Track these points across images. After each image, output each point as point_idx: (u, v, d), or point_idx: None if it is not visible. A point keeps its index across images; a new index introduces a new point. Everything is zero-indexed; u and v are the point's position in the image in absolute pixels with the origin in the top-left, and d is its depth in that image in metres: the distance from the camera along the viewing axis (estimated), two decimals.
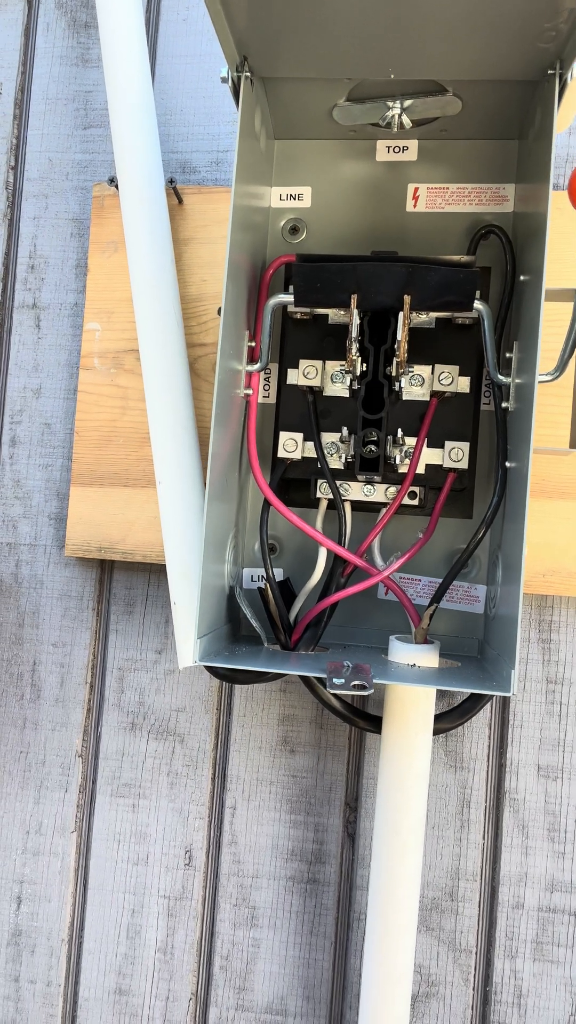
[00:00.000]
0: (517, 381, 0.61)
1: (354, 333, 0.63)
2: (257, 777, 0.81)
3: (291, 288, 0.65)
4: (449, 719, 0.71)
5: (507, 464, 0.64)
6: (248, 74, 0.61)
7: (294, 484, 0.71)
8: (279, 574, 0.73)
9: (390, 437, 0.66)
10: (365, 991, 0.68)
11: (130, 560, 0.79)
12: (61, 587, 0.85)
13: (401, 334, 0.62)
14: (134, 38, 0.75)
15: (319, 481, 0.69)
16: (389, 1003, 0.67)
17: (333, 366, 0.68)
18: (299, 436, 0.69)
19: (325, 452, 0.68)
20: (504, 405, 0.64)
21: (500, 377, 0.64)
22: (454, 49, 0.58)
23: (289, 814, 0.80)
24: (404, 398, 0.67)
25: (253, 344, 0.67)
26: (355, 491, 0.69)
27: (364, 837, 0.79)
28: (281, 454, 0.69)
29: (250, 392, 0.67)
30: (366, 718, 0.72)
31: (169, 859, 0.82)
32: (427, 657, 0.63)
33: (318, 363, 0.68)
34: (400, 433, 0.66)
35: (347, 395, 0.68)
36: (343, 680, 0.54)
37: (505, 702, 0.78)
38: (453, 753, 0.78)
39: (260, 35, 0.58)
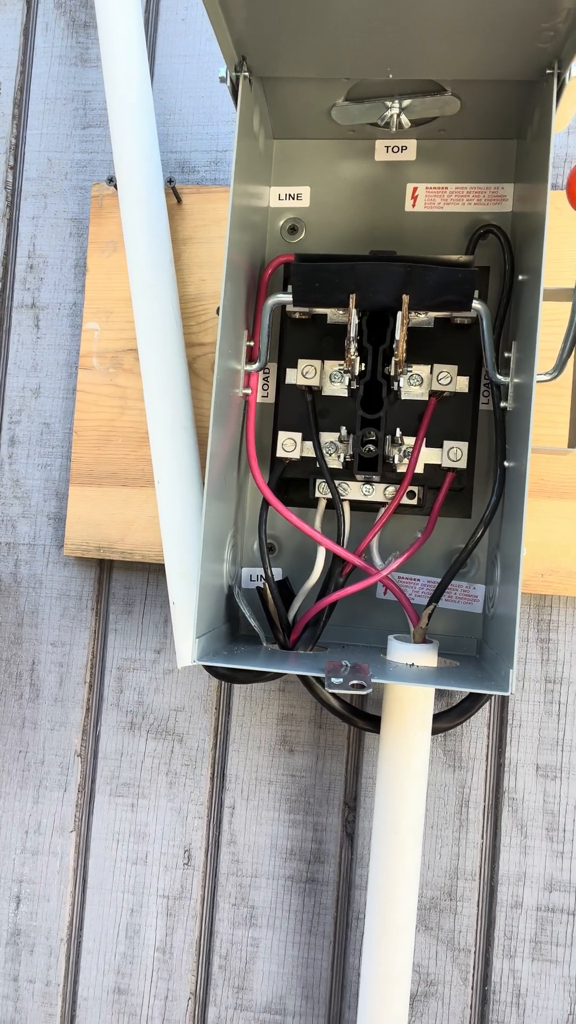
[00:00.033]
0: (515, 381, 0.62)
1: (353, 333, 0.63)
2: (256, 776, 0.81)
3: (290, 288, 0.65)
4: (448, 718, 0.71)
5: (506, 464, 0.64)
6: (246, 74, 0.61)
7: (293, 484, 0.71)
8: (278, 573, 0.73)
9: (389, 437, 0.66)
10: (364, 990, 0.68)
11: (129, 560, 0.79)
12: (60, 587, 0.85)
13: (400, 334, 0.62)
14: (133, 38, 0.75)
15: (318, 481, 0.69)
16: (388, 1002, 0.67)
17: (332, 366, 0.68)
18: (298, 436, 0.69)
19: (324, 452, 0.68)
20: (503, 405, 0.64)
21: (499, 377, 0.64)
22: (453, 49, 0.58)
23: (288, 813, 0.80)
24: (403, 398, 0.67)
25: (252, 344, 0.67)
26: (354, 491, 0.69)
27: (363, 836, 0.79)
28: (280, 454, 0.69)
29: (249, 392, 0.67)
30: (365, 717, 0.72)
31: (168, 858, 0.82)
32: (426, 656, 0.63)
33: (317, 363, 0.68)
34: (399, 433, 0.66)
35: (346, 395, 0.68)
36: (341, 679, 0.54)
37: (504, 701, 0.78)
38: (452, 753, 0.78)
39: (258, 35, 0.58)
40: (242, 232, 0.63)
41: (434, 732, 0.68)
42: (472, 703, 0.71)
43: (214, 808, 0.82)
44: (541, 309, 0.55)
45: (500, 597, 0.62)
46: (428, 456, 0.67)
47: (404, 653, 0.64)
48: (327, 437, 0.69)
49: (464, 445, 0.67)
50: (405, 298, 0.62)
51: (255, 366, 0.66)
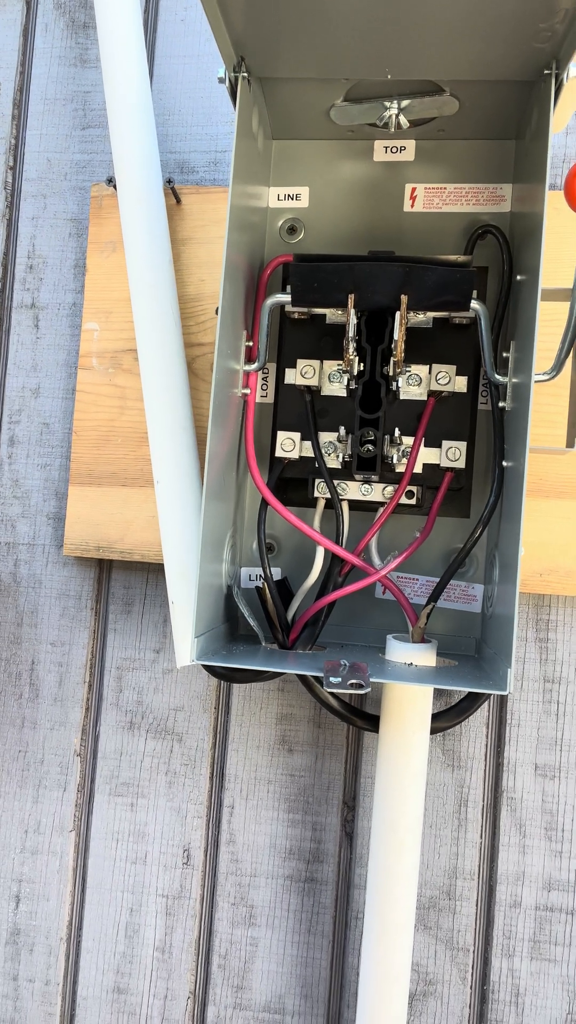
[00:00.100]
0: (514, 380, 0.62)
1: (351, 333, 0.63)
2: (255, 776, 0.81)
3: (288, 288, 0.65)
4: (446, 718, 0.71)
5: (504, 463, 0.64)
6: (245, 74, 0.61)
7: (292, 483, 0.71)
8: (277, 573, 0.73)
9: (387, 436, 0.66)
10: (363, 990, 0.68)
11: (128, 559, 0.80)
12: (59, 586, 0.85)
13: (398, 334, 0.62)
14: (132, 38, 0.75)
15: (317, 480, 0.69)
16: (387, 1002, 0.67)
17: (331, 366, 0.69)
18: (297, 435, 0.69)
19: (323, 451, 0.68)
20: (501, 404, 0.65)
21: (497, 377, 0.64)
22: (451, 49, 0.58)
23: (287, 813, 0.80)
24: (401, 397, 0.67)
25: (251, 344, 0.67)
26: (352, 490, 0.69)
27: (362, 836, 0.79)
28: (279, 453, 0.69)
29: (248, 392, 0.67)
30: (364, 717, 0.72)
31: (167, 858, 0.82)
32: (424, 656, 0.63)
33: (316, 363, 0.68)
34: (397, 432, 0.66)
35: (344, 395, 0.68)
36: (340, 679, 0.54)
37: (502, 701, 0.78)
38: (451, 752, 0.79)
39: (257, 35, 0.59)
40: (241, 232, 0.63)
41: (433, 731, 0.68)
42: (471, 703, 0.71)
43: (213, 807, 0.82)
44: (539, 309, 0.55)
45: (498, 596, 0.62)
46: (427, 456, 0.67)
47: (403, 652, 0.64)
48: (326, 437, 0.69)
49: (463, 445, 0.67)
50: (404, 298, 0.62)
51: (254, 366, 0.66)
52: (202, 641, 0.59)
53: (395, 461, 0.66)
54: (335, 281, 0.63)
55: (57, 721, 0.84)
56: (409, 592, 0.72)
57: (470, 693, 0.71)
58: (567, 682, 0.77)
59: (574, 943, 0.76)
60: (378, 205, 0.72)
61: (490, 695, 0.76)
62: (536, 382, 0.56)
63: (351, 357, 0.64)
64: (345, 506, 0.69)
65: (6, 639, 0.86)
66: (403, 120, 0.66)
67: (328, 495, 0.69)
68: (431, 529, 0.68)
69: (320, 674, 0.56)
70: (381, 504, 0.69)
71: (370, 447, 0.67)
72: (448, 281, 0.62)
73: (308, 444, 0.69)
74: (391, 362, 0.64)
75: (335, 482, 0.68)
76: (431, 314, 0.66)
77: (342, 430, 0.67)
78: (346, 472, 0.68)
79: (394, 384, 0.66)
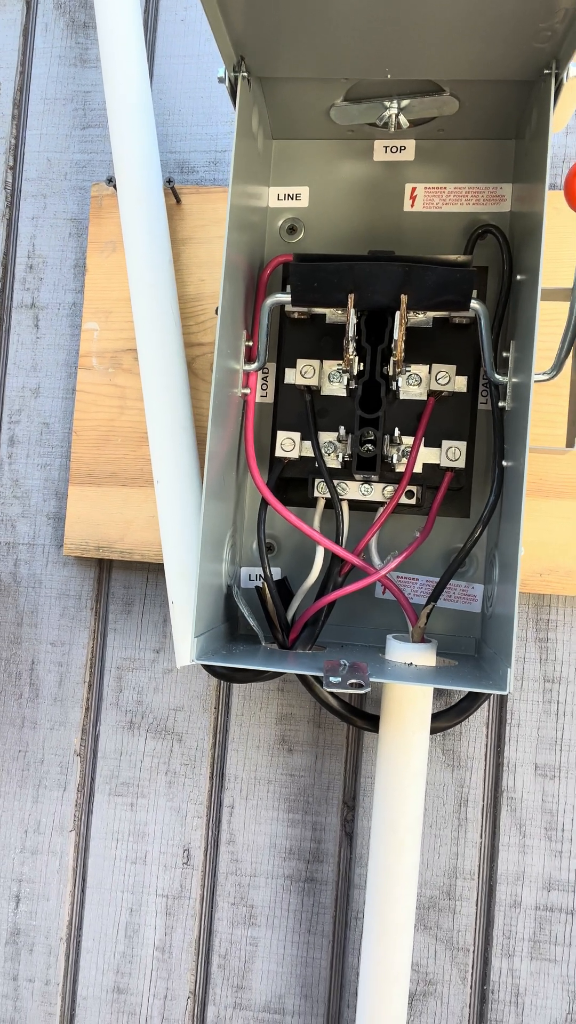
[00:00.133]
0: (514, 380, 0.62)
1: (351, 332, 0.63)
2: (255, 776, 0.81)
3: (288, 287, 0.65)
4: (446, 718, 0.71)
5: (504, 463, 0.64)
6: (245, 74, 0.61)
7: (292, 483, 0.71)
8: (277, 573, 0.73)
9: (387, 436, 0.66)
10: (363, 990, 0.68)
11: (128, 559, 0.80)
12: (59, 586, 0.85)
13: (398, 333, 0.62)
14: (132, 38, 0.75)
15: (316, 480, 0.69)
16: (387, 1002, 0.67)
17: (330, 365, 0.69)
18: (296, 435, 0.69)
19: (323, 451, 0.68)
20: (501, 404, 0.65)
21: (497, 376, 0.64)
22: (451, 49, 0.58)
23: (287, 813, 0.80)
24: (401, 397, 0.67)
25: (251, 343, 0.67)
26: (352, 490, 0.69)
27: (362, 836, 0.79)
28: (279, 453, 0.69)
29: (248, 391, 0.67)
30: (364, 717, 0.72)
31: (167, 858, 0.82)
32: (424, 656, 0.63)
33: (315, 362, 0.68)
34: (397, 432, 0.66)
35: (344, 394, 0.68)
36: (340, 679, 0.54)
37: (502, 701, 0.78)
38: (451, 752, 0.79)
39: (257, 35, 0.59)
40: (241, 232, 0.63)
41: (433, 731, 0.68)
42: (471, 702, 0.71)
43: (213, 807, 0.82)
44: (539, 309, 0.55)
45: (498, 596, 0.62)
46: (427, 456, 0.67)
47: (403, 652, 0.64)
48: (326, 437, 0.69)
49: (462, 445, 0.67)
50: (403, 298, 0.62)
51: (254, 366, 0.66)
52: (202, 641, 0.59)
53: (395, 461, 0.66)
54: (335, 281, 0.63)
55: (57, 721, 0.84)
56: (409, 592, 0.72)
57: (470, 693, 0.71)
58: (567, 682, 0.77)
59: (574, 943, 0.76)
60: (378, 205, 0.72)
61: (490, 695, 0.76)
62: (536, 382, 0.56)
63: (351, 357, 0.64)
64: (345, 506, 0.69)
65: (6, 639, 0.86)
66: (403, 120, 0.66)
67: (328, 495, 0.69)
68: (431, 529, 0.68)
69: (320, 674, 0.56)
70: (381, 504, 0.69)
71: (370, 447, 0.67)
72: (448, 281, 0.62)
73: (308, 444, 0.69)
74: (391, 362, 0.64)
75: (335, 482, 0.68)
76: (431, 314, 0.66)
77: (342, 430, 0.67)
78: (346, 472, 0.68)
79: (394, 384, 0.66)
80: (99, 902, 0.83)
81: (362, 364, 0.67)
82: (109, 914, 0.83)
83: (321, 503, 0.70)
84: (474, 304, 0.63)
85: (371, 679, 0.54)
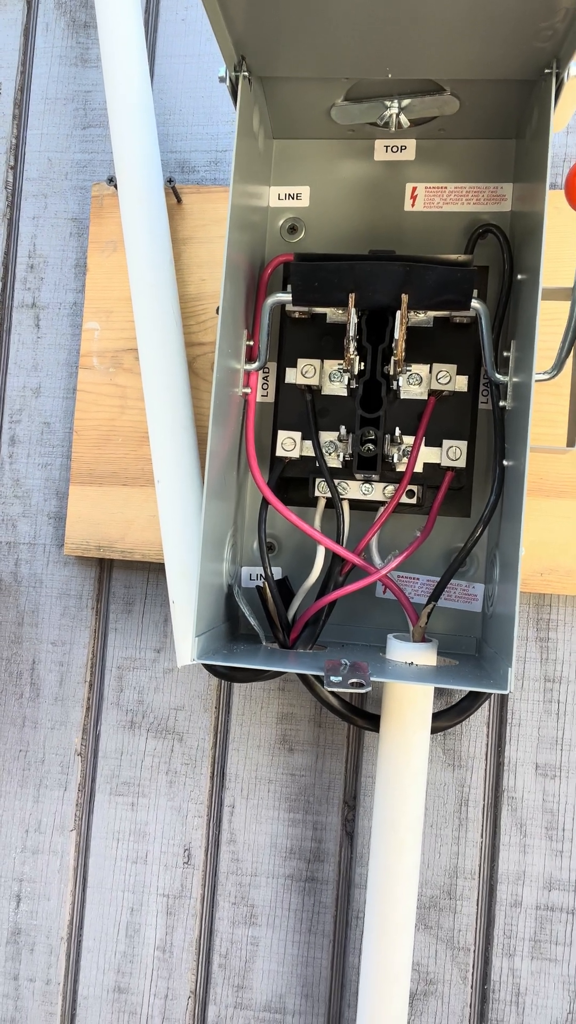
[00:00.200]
0: (514, 380, 0.62)
1: (352, 332, 0.63)
2: (256, 775, 0.81)
3: (289, 287, 0.65)
4: (447, 717, 0.71)
5: (504, 462, 0.64)
6: (246, 74, 0.61)
7: (292, 483, 0.71)
8: (277, 572, 0.73)
9: (388, 436, 0.66)
10: (363, 989, 0.68)
11: (129, 559, 0.80)
12: (60, 586, 0.85)
13: (399, 333, 0.62)
14: (133, 38, 0.75)
15: (317, 480, 0.69)
16: (387, 1001, 0.67)
17: (331, 365, 0.69)
18: (297, 435, 0.69)
19: (323, 451, 0.68)
20: (501, 404, 0.65)
21: (497, 376, 0.64)
22: (451, 48, 0.58)
23: (288, 812, 0.81)
24: (402, 397, 0.67)
25: (251, 343, 0.67)
26: (353, 490, 0.69)
27: (362, 835, 0.79)
28: (279, 453, 0.69)
29: (248, 391, 0.67)
30: (364, 716, 0.72)
31: (168, 857, 0.82)
32: (425, 655, 0.63)
33: (316, 362, 0.68)
34: (398, 432, 0.66)
35: (345, 394, 0.68)
36: (341, 678, 0.54)
37: (503, 700, 0.78)
38: (451, 751, 0.79)
39: (258, 35, 0.59)
40: (242, 232, 0.63)
41: (433, 731, 0.68)
42: (471, 702, 0.71)
43: (214, 807, 0.82)
44: (540, 308, 0.55)
45: (499, 596, 0.62)
46: (427, 455, 0.67)
47: (403, 652, 0.64)
48: (326, 436, 0.69)
49: (463, 444, 0.67)
50: (404, 297, 0.62)
51: (255, 365, 0.66)
52: (203, 640, 0.59)
53: (396, 460, 0.66)
54: (336, 280, 0.63)
55: (58, 720, 0.84)
56: (410, 591, 0.72)
57: (471, 692, 0.71)
58: (568, 681, 0.77)
59: (575, 943, 0.76)
60: (379, 204, 0.72)
61: (491, 694, 0.76)
62: (537, 381, 0.56)
63: (352, 356, 0.64)
64: (346, 505, 0.69)
65: (7, 638, 0.86)
66: (404, 119, 0.66)
67: (329, 494, 0.69)
68: (432, 528, 0.68)
69: (321, 673, 0.56)
70: (382, 503, 0.69)
71: (371, 446, 0.67)
72: (449, 280, 0.62)
73: (309, 443, 0.69)
74: (392, 361, 0.64)
75: (336, 481, 0.68)
76: (432, 313, 0.66)
77: (343, 429, 0.67)
78: (347, 471, 0.68)
79: (395, 383, 0.66)
80: (100, 902, 0.83)
81: (363, 364, 0.67)
82: (110, 914, 0.83)
83: (322, 503, 0.70)
84: (475, 304, 0.63)
85: (372, 678, 0.54)
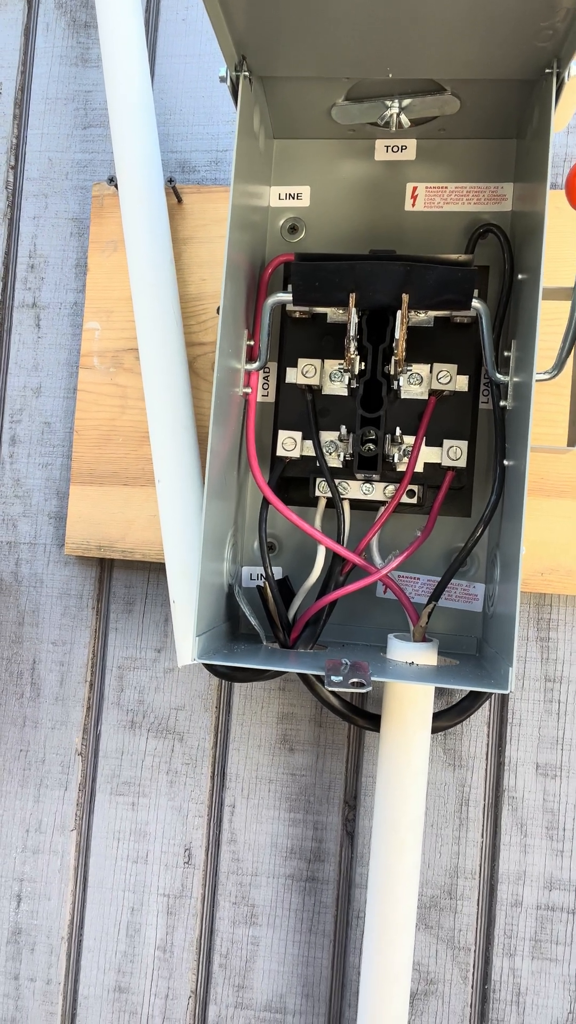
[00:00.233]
0: (515, 379, 0.62)
1: (352, 332, 0.63)
2: (256, 775, 0.81)
3: (290, 287, 0.65)
4: (448, 717, 0.71)
5: (505, 462, 0.64)
6: (247, 73, 0.61)
7: (293, 482, 0.71)
8: (278, 572, 0.73)
9: (388, 436, 0.66)
10: (364, 989, 0.68)
11: (129, 559, 0.80)
12: (61, 586, 0.85)
13: (399, 333, 0.62)
14: (133, 38, 0.75)
15: (318, 479, 0.69)
16: (388, 1001, 0.67)
17: (332, 365, 0.69)
18: (298, 435, 0.69)
19: (324, 451, 0.68)
20: (502, 403, 0.65)
21: (498, 376, 0.64)
22: (452, 48, 0.58)
23: (288, 812, 0.81)
24: (402, 397, 0.67)
25: (252, 343, 0.67)
26: (354, 489, 0.69)
27: (363, 835, 0.79)
28: (280, 452, 0.69)
29: (249, 391, 0.67)
30: (365, 716, 0.72)
31: (168, 857, 0.82)
32: (425, 655, 0.63)
33: (317, 362, 0.68)
34: (398, 431, 0.66)
35: (346, 394, 0.68)
36: (341, 678, 0.54)
37: (504, 700, 0.78)
38: (452, 751, 0.79)
39: (258, 34, 0.59)
40: (242, 232, 0.63)
41: (434, 731, 0.68)
42: (472, 702, 0.71)
43: (214, 807, 0.82)
44: (540, 308, 0.55)
45: (500, 596, 0.62)
46: (428, 455, 0.67)
47: (404, 651, 0.64)
48: (327, 436, 0.69)
49: (464, 444, 0.67)
50: (405, 297, 0.62)
51: (255, 365, 0.66)
52: (203, 640, 0.59)
53: (396, 460, 0.66)
54: (336, 280, 0.63)
55: (58, 720, 0.84)
56: (410, 591, 0.72)
57: (471, 692, 0.71)
58: (568, 681, 0.77)
59: (575, 942, 0.76)
60: (379, 204, 0.72)
61: (491, 694, 0.76)
62: (537, 381, 0.56)
63: (352, 356, 0.64)
64: (346, 505, 0.69)
65: (7, 638, 0.86)
66: (404, 119, 0.66)
67: (329, 494, 0.69)
68: (432, 528, 0.68)
69: (321, 673, 0.56)
70: (382, 503, 0.69)
71: (371, 446, 0.67)
72: (449, 280, 0.62)
73: (309, 443, 0.69)
74: (392, 361, 0.64)
75: (336, 481, 0.68)
76: (432, 313, 0.66)
77: (343, 429, 0.67)
78: (347, 471, 0.68)
79: (395, 383, 0.66)
80: (100, 901, 0.83)
81: (363, 363, 0.67)
82: (110, 913, 0.83)
83: (322, 502, 0.70)
84: (475, 303, 0.63)
85: (372, 678, 0.54)
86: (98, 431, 0.80)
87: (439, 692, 0.78)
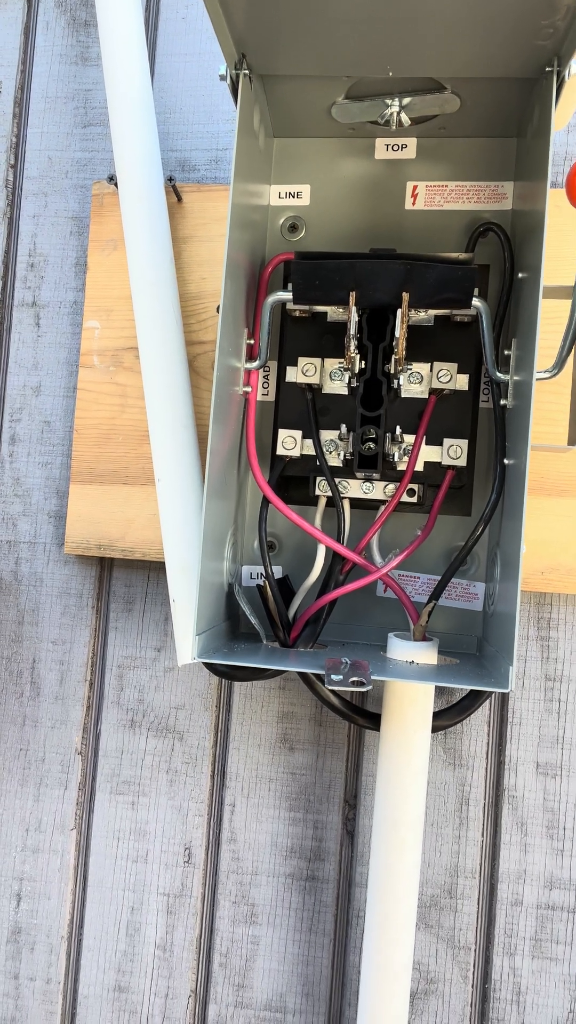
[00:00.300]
0: (515, 378, 0.62)
1: (353, 330, 0.63)
2: (256, 774, 0.81)
3: (290, 286, 0.65)
4: (448, 716, 0.71)
5: (505, 461, 0.64)
6: (247, 72, 0.61)
7: (293, 481, 0.71)
8: (278, 571, 0.73)
9: (389, 434, 0.66)
10: (364, 988, 0.68)
11: (129, 558, 0.80)
12: (60, 585, 0.85)
13: (400, 331, 0.62)
14: (133, 36, 0.75)
15: (318, 478, 0.69)
16: (388, 1000, 0.67)
17: (332, 363, 0.69)
18: (298, 433, 0.69)
19: (324, 449, 0.68)
20: (502, 402, 0.64)
21: (498, 374, 0.64)
22: (452, 46, 0.58)
23: (288, 811, 0.80)
24: (403, 395, 0.67)
25: (252, 342, 0.67)
26: (354, 488, 0.69)
27: (363, 834, 0.79)
28: (280, 451, 0.69)
29: (249, 390, 0.67)
30: (365, 715, 0.72)
31: (168, 856, 0.82)
32: (426, 654, 0.63)
33: (317, 360, 0.68)
34: (399, 430, 0.66)
35: (346, 392, 0.68)
36: (341, 677, 0.54)
37: (504, 699, 0.78)
38: (452, 750, 0.79)
39: (258, 33, 0.58)
40: (242, 230, 0.63)
41: (434, 730, 0.68)
42: (472, 701, 0.71)
43: (214, 806, 0.82)
44: (541, 307, 0.55)
45: (500, 595, 0.62)
46: (428, 454, 0.67)
47: (404, 651, 0.64)
48: (327, 435, 0.69)
49: (464, 443, 0.67)
50: (405, 296, 0.62)
51: (255, 364, 0.66)
52: (203, 639, 0.59)
53: (396, 459, 0.66)
54: (336, 279, 0.63)
55: (58, 719, 0.84)
56: (410, 590, 0.72)
57: (471, 691, 0.71)
58: (568, 680, 0.77)
59: (575, 941, 0.76)
60: (379, 203, 0.72)
61: (492, 693, 0.76)
62: (537, 380, 0.56)
63: (352, 355, 0.64)
64: (346, 504, 0.69)
65: (7, 637, 0.86)
66: (404, 118, 0.66)
67: (329, 493, 0.68)
68: (432, 527, 0.68)
69: (321, 672, 0.56)
70: (382, 502, 0.69)
71: (371, 445, 0.67)
72: (449, 279, 0.62)
73: (309, 442, 0.69)
74: (392, 360, 0.64)
75: (336, 480, 0.68)
76: (432, 312, 0.65)
77: (343, 428, 0.67)
78: (347, 470, 0.68)
79: (395, 382, 0.66)
80: (100, 900, 0.83)
81: (363, 362, 0.67)
82: (110, 912, 0.83)
83: (322, 501, 0.70)
84: (475, 302, 0.63)
85: (373, 677, 0.54)
86: (98, 430, 0.80)
87: (439, 691, 0.78)
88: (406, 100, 0.64)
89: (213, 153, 0.85)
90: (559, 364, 0.61)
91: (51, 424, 0.86)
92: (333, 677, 0.54)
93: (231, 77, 0.61)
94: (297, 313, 0.68)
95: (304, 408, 0.69)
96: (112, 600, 0.84)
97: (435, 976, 0.78)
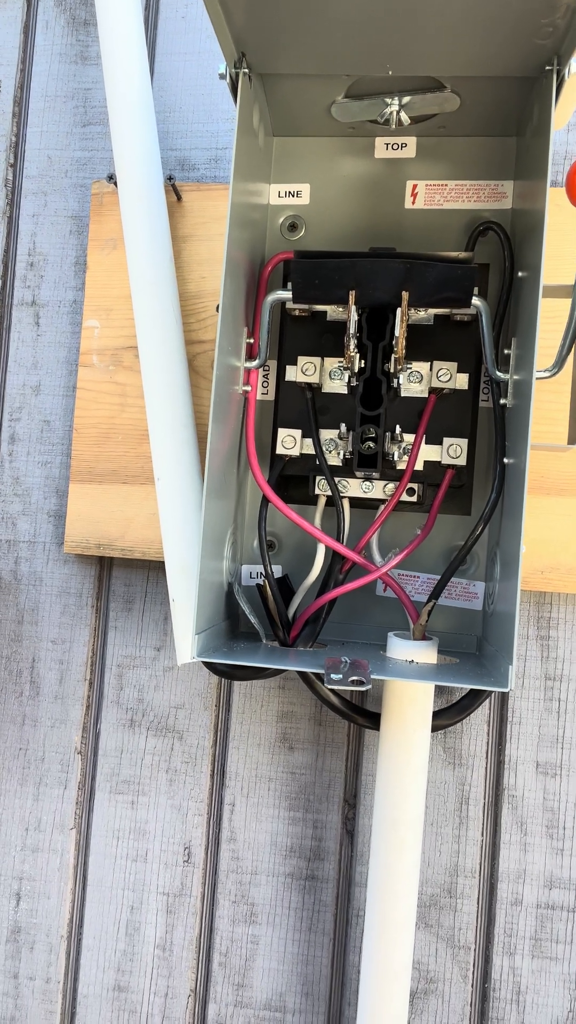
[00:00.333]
0: (515, 377, 0.62)
1: (352, 329, 0.63)
2: (256, 774, 0.81)
3: (289, 285, 0.65)
4: (447, 716, 0.71)
5: (505, 460, 0.64)
6: (246, 71, 0.61)
7: (293, 481, 0.71)
8: (277, 571, 0.73)
9: (388, 434, 0.66)
10: (364, 988, 0.68)
11: (129, 557, 0.80)
12: (60, 584, 0.85)
13: (399, 330, 0.62)
14: (133, 35, 0.75)
15: (318, 478, 0.69)
16: (388, 1000, 0.67)
17: (331, 363, 0.68)
18: (297, 433, 0.69)
19: (324, 449, 0.68)
20: (502, 401, 0.64)
21: (498, 373, 0.64)
22: (452, 45, 0.58)
23: (288, 811, 0.80)
24: (402, 395, 0.67)
25: (251, 341, 0.67)
26: (353, 488, 0.69)
27: (363, 834, 0.79)
28: (280, 451, 0.69)
29: (248, 389, 0.67)
30: (365, 714, 0.72)
31: (168, 856, 0.82)
32: (425, 653, 0.63)
33: (316, 360, 0.68)
34: (398, 430, 0.66)
35: (345, 392, 0.68)
36: (341, 676, 0.54)
37: (504, 699, 0.78)
38: (452, 750, 0.79)
39: (258, 32, 0.58)
40: (242, 229, 0.63)
41: (434, 729, 0.68)
42: (472, 700, 0.71)
43: (214, 805, 0.82)
44: (540, 306, 0.55)
45: (500, 594, 0.62)
46: (428, 453, 0.67)
47: (404, 650, 0.64)
48: (327, 434, 0.69)
49: (464, 442, 0.67)
50: (405, 295, 0.62)
51: (255, 363, 0.66)
52: (203, 638, 0.59)
53: (396, 458, 0.66)
54: (336, 278, 0.63)
55: (58, 719, 0.84)
56: (410, 590, 0.72)
57: (471, 690, 0.71)
58: (568, 680, 0.77)
59: (575, 941, 0.76)
60: (379, 202, 0.72)
61: (491, 692, 0.76)
62: (537, 379, 0.56)
63: (352, 354, 0.64)
64: (346, 503, 0.69)
65: (7, 637, 0.86)
66: (404, 117, 0.65)
67: (329, 492, 0.68)
68: (432, 526, 0.68)
69: (321, 671, 0.56)
70: (382, 501, 0.69)
71: (371, 444, 0.67)
72: (449, 278, 0.62)
73: (309, 441, 0.69)
74: (392, 359, 0.64)
75: (336, 479, 0.68)
76: (432, 311, 0.65)
77: (343, 427, 0.67)
78: (347, 469, 0.68)
79: (395, 381, 0.66)
80: (100, 900, 0.83)
81: (363, 361, 0.66)
82: (110, 912, 0.83)
83: (322, 500, 0.70)
84: (475, 301, 0.63)
85: (372, 676, 0.54)
86: (97, 429, 0.80)
87: (439, 690, 0.78)
88: (406, 99, 0.64)
89: (213, 152, 0.85)
90: (559, 363, 0.61)
91: (51, 423, 0.86)
92: (333, 676, 0.54)
93: (230, 76, 0.61)
94: (297, 312, 0.68)
95: (304, 407, 0.69)
96: (112, 599, 0.84)
97: (435, 975, 0.78)
